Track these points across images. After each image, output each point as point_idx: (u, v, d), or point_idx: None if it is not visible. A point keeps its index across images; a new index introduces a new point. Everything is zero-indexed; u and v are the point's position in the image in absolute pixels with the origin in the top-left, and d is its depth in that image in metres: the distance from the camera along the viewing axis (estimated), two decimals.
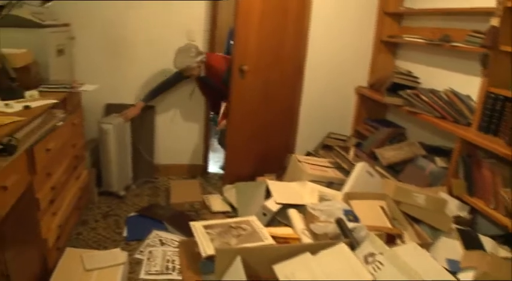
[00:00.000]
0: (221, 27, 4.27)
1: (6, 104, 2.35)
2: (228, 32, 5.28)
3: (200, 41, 4.13)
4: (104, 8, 3.86)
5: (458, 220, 2.68)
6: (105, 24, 3.91)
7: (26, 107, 2.32)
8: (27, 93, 2.60)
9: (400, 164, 3.43)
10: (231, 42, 4.28)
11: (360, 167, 3.18)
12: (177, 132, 4.33)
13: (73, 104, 3.10)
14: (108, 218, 3.52)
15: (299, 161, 3.50)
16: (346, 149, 3.70)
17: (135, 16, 3.75)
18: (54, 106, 2.60)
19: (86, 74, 3.83)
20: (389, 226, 2.42)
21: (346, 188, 3.06)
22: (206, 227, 1.92)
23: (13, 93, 2.55)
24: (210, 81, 4.04)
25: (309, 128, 4.60)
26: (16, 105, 2.36)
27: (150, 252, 3.04)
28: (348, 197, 2.65)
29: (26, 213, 2.24)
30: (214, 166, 4.71)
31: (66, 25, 3.68)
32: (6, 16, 2.51)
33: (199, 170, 4.54)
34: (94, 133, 3.86)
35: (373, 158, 3.54)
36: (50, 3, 2.58)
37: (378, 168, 3.34)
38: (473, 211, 2.84)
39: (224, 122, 4.03)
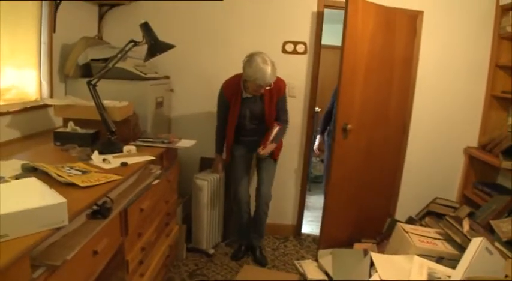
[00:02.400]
0: (323, 84, 4.07)
1: (104, 160, 2.29)
2: (334, 89, 4.98)
3: (301, 97, 4.01)
4: (203, 62, 3.86)
5: None
6: (201, 77, 3.92)
7: (123, 164, 2.24)
8: (125, 148, 2.54)
9: None
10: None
11: (478, 243, 2.76)
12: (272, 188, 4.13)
13: (169, 159, 3.03)
14: (194, 277, 3.35)
15: (405, 232, 3.13)
16: (458, 219, 3.27)
17: (233, 70, 3.68)
18: (151, 161, 2.51)
19: (182, 126, 3.82)
20: None
21: (462, 268, 2.64)
22: None
23: (112, 147, 2.52)
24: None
25: (411, 190, 4.26)
26: (113, 161, 2.29)
27: None
28: None
29: (115, 276, 2.11)
30: (307, 225, 4.43)
31: (166, 77, 3.72)
32: (110, 69, 2.50)
33: (291, 231, 4.29)
34: (186, 187, 3.77)
35: (490, 232, 3.10)
36: (153, 59, 2.55)
37: (497, 244, 2.89)
38: None
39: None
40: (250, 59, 3.15)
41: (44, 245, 1.47)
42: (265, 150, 3.37)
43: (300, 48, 3.92)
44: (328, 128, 4.24)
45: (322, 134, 4.39)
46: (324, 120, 4.29)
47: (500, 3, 3.88)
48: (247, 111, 3.43)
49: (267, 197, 3.59)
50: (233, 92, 3.37)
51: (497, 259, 2.72)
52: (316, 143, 4.46)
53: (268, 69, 3.10)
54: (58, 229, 1.44)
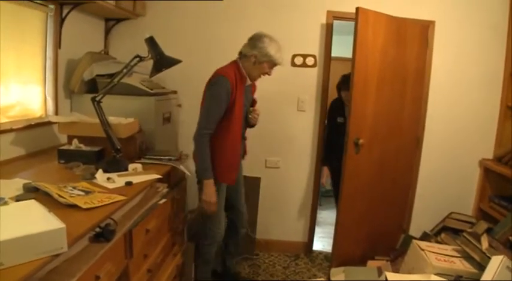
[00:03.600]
0: (333, 97, 3.99)
1: (109, 179, 2.22)
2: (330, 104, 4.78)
3: (311, 111, 3.95)
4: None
5: None
6: None
7: (128, 184, 2.16)
8: (131, 166, 2.48)
9: None
10: None
11: (498, 262, 2.64)
12: (281, 204, 4.06)
13: (177, 177, 2.95)
14: None
15: (421, 249, 3.01)
16: (477, 236, 3.15)
17: None
18: (157, 180, 2.43)
19: (191, 142, 3.76)
20: None
21: None
22: None
23: (117, 165, 2.46)
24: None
25: (425, 205, 4.14)
26: (118, 180, 2.22)
27: None
28: None
29: None
30: (318, 242, 4.32)
31: (174, 92, 3.67)
32: (115, 84, 2.45)
33: (302, 248, 4.18)
34: (194, 204, 3.68)
35: (509, 248, 2.97)
36: (160, 74, 2.50)
37: None
38: None
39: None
40: (259, 38, 2.80)
41: (43, 272, 1.39)
42: None
43: (310, 61, 3.85)
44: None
45: (325, 163, 4.09)
46: (324, 149, 4.04)
47: None
48: (245, 107, 2.96)
49: (246, 216, 3.37)
50: (236, 79, 2.78)
51: None
52: (324, 175, 4.08)
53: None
54: (57, 255, 1.36)
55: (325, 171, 4.04)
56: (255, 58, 2.78)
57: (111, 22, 3.71)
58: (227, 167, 2.89)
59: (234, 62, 2.86)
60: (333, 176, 3.97)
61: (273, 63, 2.82)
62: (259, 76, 2.90)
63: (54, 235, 1.34)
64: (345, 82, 3.63)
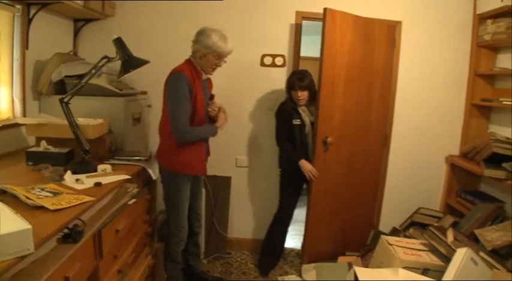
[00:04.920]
0: None
1: (77, 180, 2.22)
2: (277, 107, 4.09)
3: None
4: None
5: None
6: None
7: (97, 184, 2.17)
8: (100, 167, 2.47)
9: (507, 248, 2.95)
10: None
11: (463, 254, 2.74)
12: (253, 202, 4.10)
13: (147, 177, 2.95)
14: None
15: (389, 244, 3.10)
16: (443, 230, 3.25)
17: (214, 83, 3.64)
18: (127, 180, 2.44)
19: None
20: None
21: (448, 279, 2.63)
22: None
23: (86, 167, 2.46)
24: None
25: (394, 201, 4.25)
26: (87, 181, 2.22)
27: None
28: None
29: None
30: (290, 239, 4.37)
31: (143, 93, 3.66)
32: (84, 85, 2.45)
33: None
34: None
35: (474, 241, 3.09)
36: (126, 75, 2.50)
37: (482, 254, 2.88)
38: None
39: None
40: (201, 32, 2.84)
41: (10, 274, 1.39)
42: None
43: (279, 61, 3.91)
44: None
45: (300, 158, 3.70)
46: (292, 148, 3.66)
47: (477, 12, 3.92)
48: (205, 102, 2.99)
49: (202, 217, 3.45)
50: (192, 74, 2.83)
51: (483, 269, 2.72)
52: (307, 166, 3.55)
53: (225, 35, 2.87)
54: (24, 257, 1.37)
55: (305, 163, 3.57)
56: (199, 52, 2.82)
57: (80, 23, 3.69)
58: (195, 158, 2.94)
59: (188, 60, 2.91)
60: (304, 175, 3.96)
61: (217, 54, 2.82)
62: (212, 69, 2.92)
63: (21, 236, 1.35)
64: (300, 80, 3.51)
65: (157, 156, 2.99)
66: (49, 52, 3.18)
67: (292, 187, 3.71)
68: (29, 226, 1.37)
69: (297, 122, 3.55)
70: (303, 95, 3.48)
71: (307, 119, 3.56)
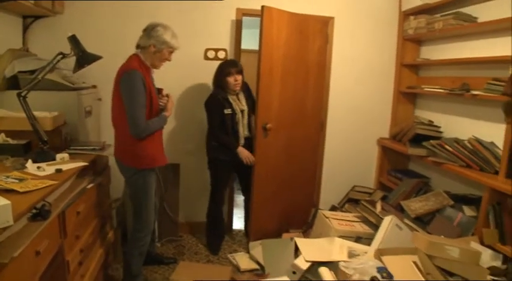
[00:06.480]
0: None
1: (39, 167, 2.40)
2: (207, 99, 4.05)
3: None
4: None
5: (493, 271, 2.60)
6: None
7: (58, 171, 2.36)
8: (58, 156, 2.65)
9: (428, 215, 3.36)
10: None
11: (388, 221, 3.13)
12: (200, 188, 4.31)
13: (101, 164, 3.15)
14: None
15: (326, 217, 3.45)
16: (373, 203, 3.65)
17: (158, 76, 3.82)
18: (84, 167, 2.64)
19: (112, 133, 3.92)
20: None
21: (376, 243, 3.00)
22: None
23: (45, 156, 2.61)
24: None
25: (332, 181, 4.61)
26: (48, 169, 2.40)
27: None
28: (380, 253, 2.60)
29: (56, 276, 2.23)
30: (238, 222, 4.67)
31: (94, 87, 3.80)
32: (40, 80, 2.60)
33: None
34: (119, 192, 3.89)
35: (400, 211, 3.49)
36: (81, 70, 2.68)
37: (406, 221, 3.28)
38: (506, 259, 2.75)
39: None
40: (153, 27, 2.93)
41: None
42: None
43: (221, 54, 4.15)
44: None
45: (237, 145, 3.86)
46: (226, 137, 3.82)
47: (402, 10, 4.35)
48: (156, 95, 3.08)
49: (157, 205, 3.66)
50: (143, 70, 2.89)
51: (407, 233, 3.10)
52: (245, 152, 3.80)
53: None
54: (4, 229, 1.57)
55: (242, 150, 3.79)
56: (154, 47, 2.91)
57: (28, 19, 3.75)
58: (157, 150, 3.06)
59: (135, 56, 2.96)
60: (230, 160, 3.89)
61: (171, 48, 2.98)
62: (161, 64, 3.05)
63: (1, 210, 1.55)
64: (234, 65, 3.73)
65: (118, 156, 3.00)
66: (0, 49, 3.26)
67: (218, 170, 3.92)
68: (8, 202, 1.58)
69: (228, 111, 3.71)
70: (240, 79, 3.70)
71: (237, 107, 3.75)
